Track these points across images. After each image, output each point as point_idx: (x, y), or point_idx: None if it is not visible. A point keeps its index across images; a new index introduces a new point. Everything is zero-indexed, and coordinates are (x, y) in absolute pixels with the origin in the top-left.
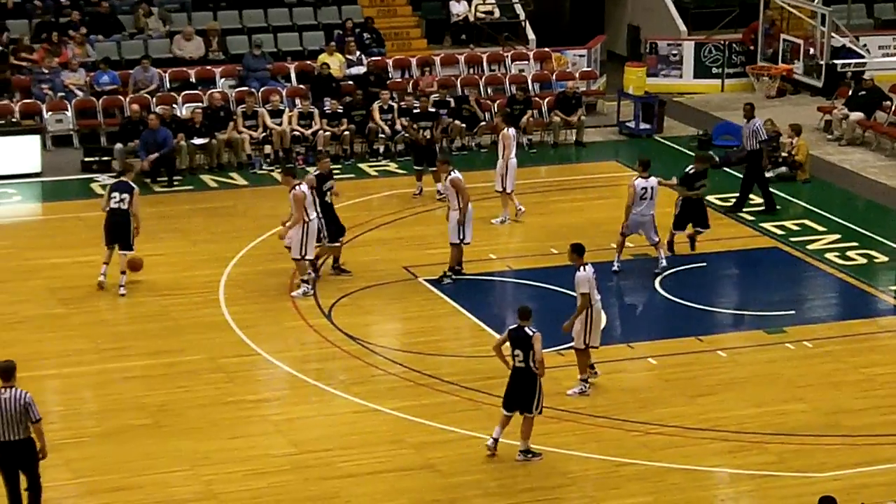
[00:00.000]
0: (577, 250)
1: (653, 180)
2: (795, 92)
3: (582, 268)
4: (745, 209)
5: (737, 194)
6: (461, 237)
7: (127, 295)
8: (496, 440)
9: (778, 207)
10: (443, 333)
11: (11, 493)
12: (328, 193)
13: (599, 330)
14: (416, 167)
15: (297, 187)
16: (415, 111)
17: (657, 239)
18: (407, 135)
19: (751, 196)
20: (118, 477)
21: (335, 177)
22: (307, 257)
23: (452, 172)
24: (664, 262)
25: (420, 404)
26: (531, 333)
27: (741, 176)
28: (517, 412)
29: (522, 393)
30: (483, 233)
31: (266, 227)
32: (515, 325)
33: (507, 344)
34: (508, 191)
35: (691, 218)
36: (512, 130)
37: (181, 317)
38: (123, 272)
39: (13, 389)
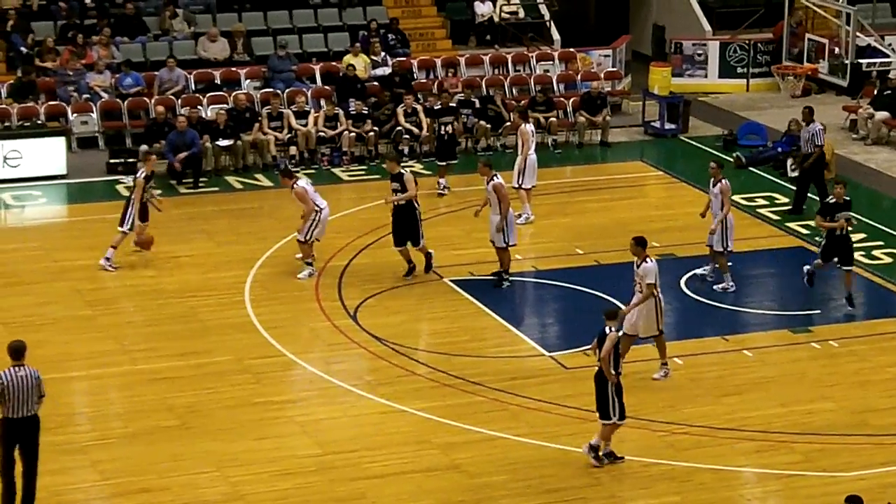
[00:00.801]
0: (641, 243)
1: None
2: (821, 91)
3: (647, 259)
4: (764, 205)
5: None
6: (506, 241)
7: (153, 296)
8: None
9: (804, 208)
10: (468, 334)
11: (8, 477)
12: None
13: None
14: (438, 163)
15: (296, 184)
16: (436, 107)
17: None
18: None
19: (809, 195)
20: (146, 478)
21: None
22: (311, 240)
23: (495, 178)
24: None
25: (446, 405)
26: (608, 332)
27: (768, 177)
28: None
29: (597, 396)
30: None
31: (291, 228)
32: (603, 327)
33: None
34: (526, 187)
35: (836, 252)
36: (529, 126)
37: (208, 318)
38: (113, 247)
39: (25, 367)
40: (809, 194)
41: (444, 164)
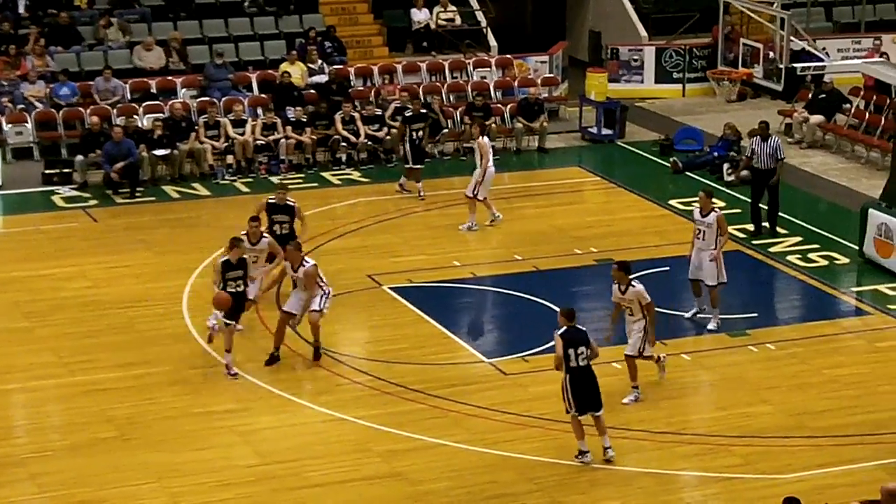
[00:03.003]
0: (626, 269)
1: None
2: (756, 96)
3: (633, 283)
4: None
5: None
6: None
7: (91, 307)
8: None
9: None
10: (408, 341)
11: None
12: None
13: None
14: (412, 166)
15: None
16: (408, 114)
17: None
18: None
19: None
20: (85, 491)
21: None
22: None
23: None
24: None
25: (386, 412)
26: (585, 329)
27: (704, 181)
28: (590, 414)
29: (596, 390)
30: (448, 240)
31: (229, 237)
32: (567, 328)
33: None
34: (480, 197)
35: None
36: (486, 139)
37: (146, 328)
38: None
39: None
40: (761, 204)
41: (417, 167)
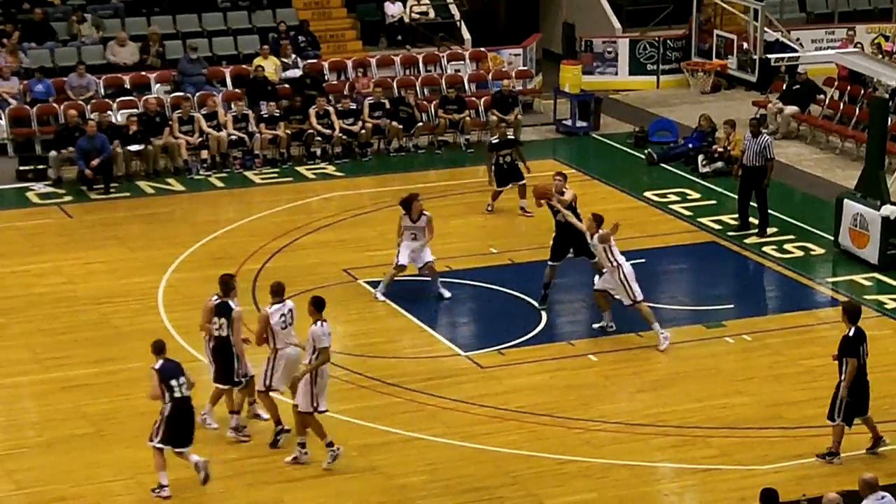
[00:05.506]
0: (317, 305)
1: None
2: (730, 87)
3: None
4: (677, 201)
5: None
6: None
7: (65, 303)
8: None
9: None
10: (384, 335)
11: None
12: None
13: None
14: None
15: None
16: (493, 140)
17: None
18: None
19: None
20: (61, 487)
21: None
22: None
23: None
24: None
25: (362, 406)
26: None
27: (680, 173)
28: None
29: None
30: None
31: (204, 233)
32: (163, 361)
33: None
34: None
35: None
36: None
37: (121, 324)
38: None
39: None
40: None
41: (501, 190)
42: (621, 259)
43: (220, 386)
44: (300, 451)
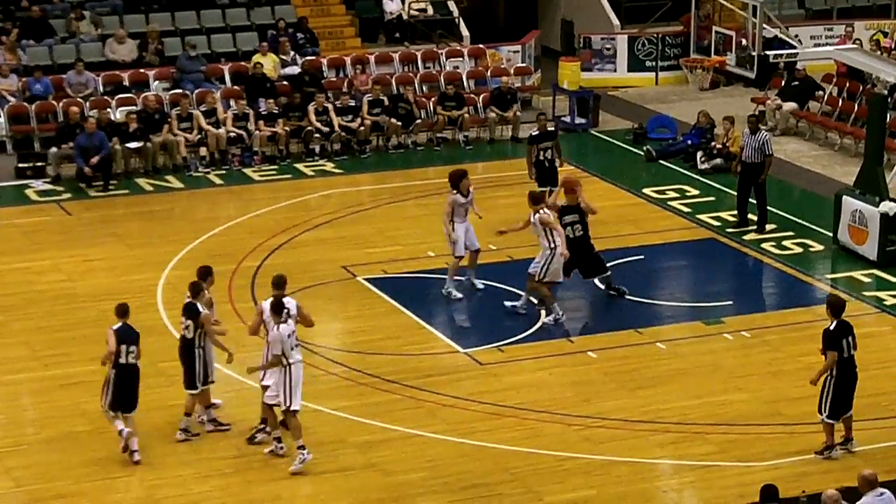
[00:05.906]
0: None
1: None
2: (729, 83)
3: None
4: (675, 197)
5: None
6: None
7: (64, 300)
8: None
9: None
10: (383, 332)
11: None
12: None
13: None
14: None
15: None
16: (534, 132)
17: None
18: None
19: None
20: (60, 484)
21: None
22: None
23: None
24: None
25: (361, 403)
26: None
27: (679, 169)
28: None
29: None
30: (422, 230)
31: (203, 230)
32: (121, 325)
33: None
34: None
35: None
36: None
37: None
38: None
39: None
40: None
41: (543, 190)
42: (559, 242)
43: (191, 392)
44: (276, 444)
